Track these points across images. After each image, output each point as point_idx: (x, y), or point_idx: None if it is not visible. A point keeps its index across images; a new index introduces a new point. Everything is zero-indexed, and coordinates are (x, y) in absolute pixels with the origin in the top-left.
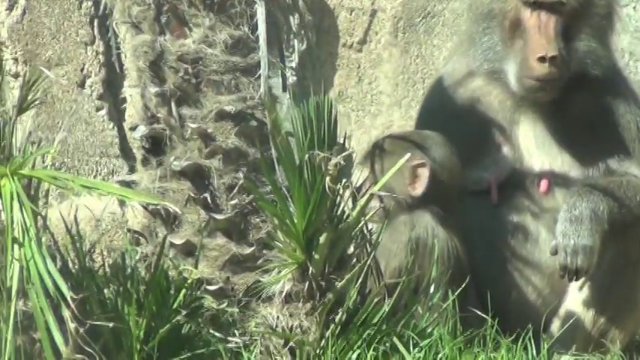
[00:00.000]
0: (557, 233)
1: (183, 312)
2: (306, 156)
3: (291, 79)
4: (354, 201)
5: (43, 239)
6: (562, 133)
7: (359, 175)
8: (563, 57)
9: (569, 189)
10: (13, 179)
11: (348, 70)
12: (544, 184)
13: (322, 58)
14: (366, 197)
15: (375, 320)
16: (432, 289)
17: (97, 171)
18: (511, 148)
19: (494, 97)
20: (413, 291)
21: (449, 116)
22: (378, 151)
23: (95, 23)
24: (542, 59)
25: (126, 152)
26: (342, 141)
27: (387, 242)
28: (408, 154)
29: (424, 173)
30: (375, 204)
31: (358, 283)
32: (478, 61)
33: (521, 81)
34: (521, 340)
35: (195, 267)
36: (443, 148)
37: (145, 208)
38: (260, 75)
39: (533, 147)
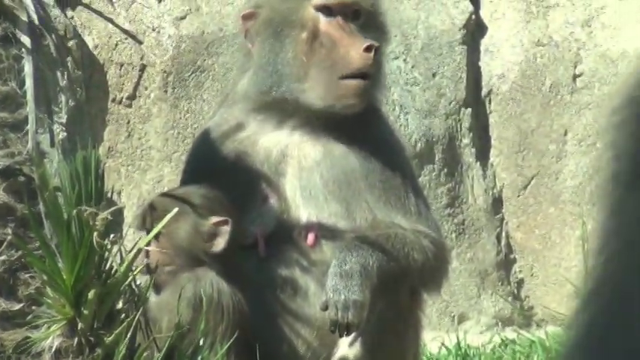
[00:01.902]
0: (327, 288)
1: None
2: (74, 211)
3: (62, 134)
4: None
5: None
6: (328, 183)
7: (133, 233)
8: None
9: (337, 241)
10: None
11: (118, 126)
12: (311, 236)
13: (92, 114)
14: (133, 252)
15: None
16: (202, 343)
17: None
18: (278, 200)
19: (261, 148)
20: (197, 346)
21: (214, 171)
22: (152, 211)
23: None
24: (368, 49)
25: None
26: (110, 196)
27: (169, 299)
28: (176, 209)
29: (226, 230)
30: (144, 259)
31: (127, 338)
32: (266, 86)
33: (335, 85)
34: None
35: None
36: (225, 204)
37: None
38: (28, 131)
39: (300, 198)
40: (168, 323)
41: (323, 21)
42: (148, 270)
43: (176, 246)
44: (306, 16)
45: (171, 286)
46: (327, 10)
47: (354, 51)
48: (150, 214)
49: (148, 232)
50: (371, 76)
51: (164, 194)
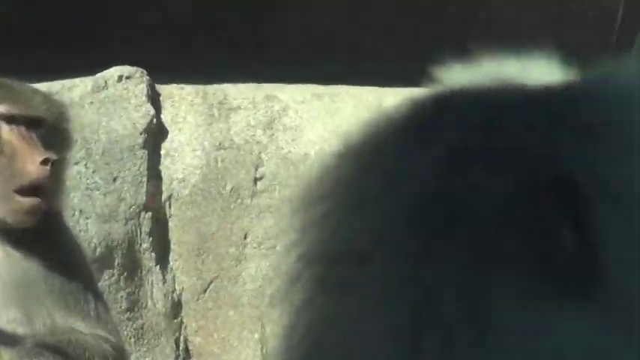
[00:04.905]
0: None
1: None
2: None
3: None
4: None
5: None
6: (7, 288)
7: None
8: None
9: (16, 348)
10: None
11: None
12: None
13: None
14: None
15: None
16: None
17: None
18: None
19: None
20: None
21: None
22: None
23: None
24: (45, 161)
25: None
26: None
27: None
28: None
29: None
30: None
31: None
32: None
33: (10, 199)
34: None
35: None
36: None
37: None
38: None
39: None
40: None
41: (5, 129)
42: None
43: None
44: None
45: None
46: (9, 118)
47: (31, 163)
48: None
49: None
50: (47, 188)
51: None
